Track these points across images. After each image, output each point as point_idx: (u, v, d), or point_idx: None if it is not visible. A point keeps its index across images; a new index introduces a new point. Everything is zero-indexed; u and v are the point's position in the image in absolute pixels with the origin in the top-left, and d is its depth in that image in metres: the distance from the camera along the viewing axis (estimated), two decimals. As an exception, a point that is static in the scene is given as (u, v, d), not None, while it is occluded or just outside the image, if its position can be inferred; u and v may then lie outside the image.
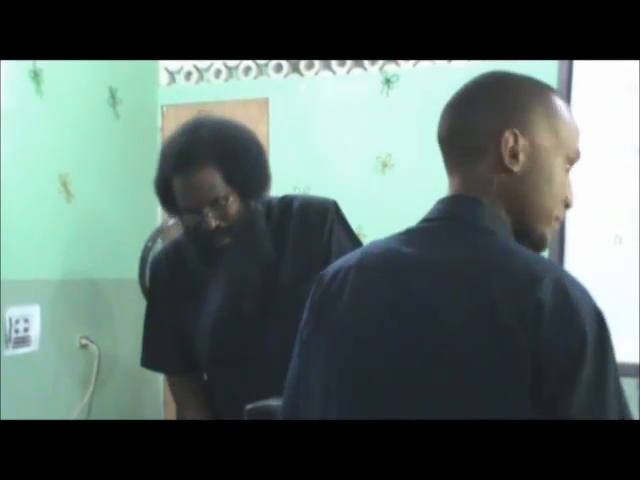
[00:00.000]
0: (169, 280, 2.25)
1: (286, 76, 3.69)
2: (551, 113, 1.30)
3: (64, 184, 3.21)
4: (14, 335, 2.95)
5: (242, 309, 2.13)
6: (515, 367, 1.13)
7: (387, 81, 3.51)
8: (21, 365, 2.98)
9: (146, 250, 3.22)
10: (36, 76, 3.07)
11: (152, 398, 3.77)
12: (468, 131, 1.31)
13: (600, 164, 2.19)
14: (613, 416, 1.14)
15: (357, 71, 3.57)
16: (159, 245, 3.16)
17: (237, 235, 2.06)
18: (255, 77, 3.74)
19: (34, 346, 3.05)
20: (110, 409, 3.40)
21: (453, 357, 1.18)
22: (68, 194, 3.23)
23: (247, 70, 3.74)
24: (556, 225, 1.34)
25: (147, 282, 3.04)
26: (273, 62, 3.69)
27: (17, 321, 2.97)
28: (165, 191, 2.09)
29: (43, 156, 3.11)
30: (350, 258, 1.37)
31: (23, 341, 3.00)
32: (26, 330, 3.01)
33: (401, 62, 3.50)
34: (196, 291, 2.19)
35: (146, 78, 3.81)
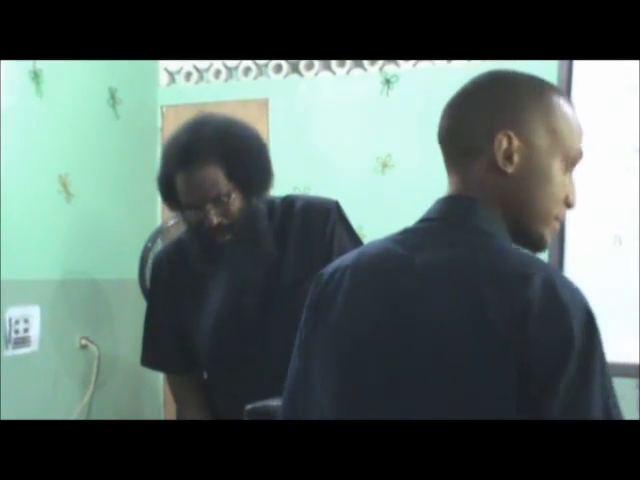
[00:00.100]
0: (170, 278, 2.25)
1: (286, 76, 3.69)
2: (549, 113, 1.29)
3: (64, 184, 3.21)
4: (14, 335, 2.95)
5: (243, 308, 2.13)
6: (503, 367, 1.13)
7: (387, 81, 3.51)
8: (21, 365, 2.98)
9: (146, 250, 3.22)
10: (36, 76, 3.07)
11: (152, 398, 3.77)
12: (464, 131, 1.32)
13: (600, 164, 2.19)
14: (597, 417, 1.14)
15: (357, 71, 3.58)
16: (159, 245, 3.16)
17: (239, 233, 2.06)
18: (255, 77, 3.74)
19: (34, 346, 3.04)
20: (110, 409, 3.40)
21: (442, 357, 1.18)
22: (68, 194, 3.23)
23: (247, 70, 3.74)
24: (556, 225, 1.33)
25: (147, 282, 3.04)
26: (273, 62, 3.70)
27: (17, 321, 2.96)
28: (168, 188, 2.10)
29: (43, 156, 3.11)
30: (347, 258, 1.38)
31: (23, 341, 3.00)
32: (26, 330, 3.00)
33: (401, 62, 3.50)
34: (197, 290, 2.20)
35: (146, 78, 3.81)
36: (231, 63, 3.76)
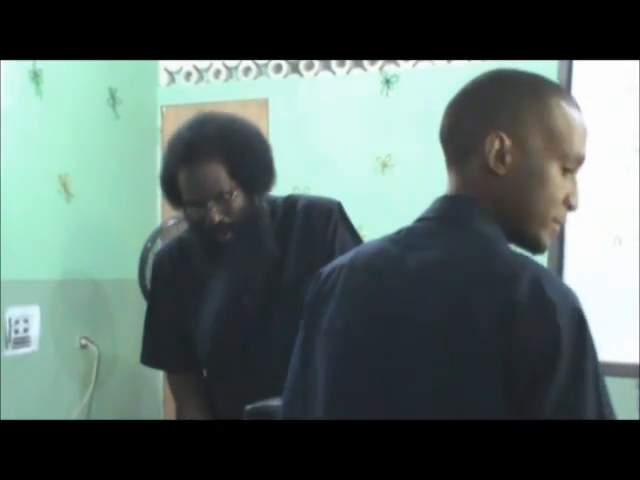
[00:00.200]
0: (171, 277, 2.26)
1: (286, 76, 3.69)
2: (546, 114, 1.28)
3: (64, 184, 3.21)
4: (14, 335, 2.95)
5: (244, 307, 2.13)
6: (488, 367, 1.14)
7: (387, 81, 3.51)
8: (21, 365, 2.98)
9: (146, 250, 3.22)
10: (36, 76, 3.08)
11: (151, 398, 3.77)
12: (461, 131, 1.32)
13: (600, 164, 2.19)
14: (589, 417, 1.14)
15: (357, 71, 3.58)
16: (159, 245, 3.16)
17: (240, 231, 2.07)
18: (255, 77, 3.74)
19: (34, 346, 3.05)
20: (110, 409, 3.40)
21: (425, 357, 1.19)
22: (68, 194, 3.23)
23: (247, 70, 3.74)
24: (555, 227, 1.32)
25: (147, 282, 3.04)
26: (273, 62, 3.70)
27: (17, 321, 2.97)
28: (170, 185, 2.10)
29: (43, 156, 3.11)
30: (345, 257, 1.39)
31: (23, 341, 3.00)
32: (26, 330, 3.01)
33: (401, 62, 3.50)
34: (198, 288, 2.20)
35: (146, 78, 3.81)
36: (231, 63, 3.76)
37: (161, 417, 3.76)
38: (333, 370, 1.30)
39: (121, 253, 3.46)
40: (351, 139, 3.54)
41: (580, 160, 1.31)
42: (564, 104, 1.30)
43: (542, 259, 1.81)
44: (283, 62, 3.67)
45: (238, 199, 2.06)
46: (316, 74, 3.63)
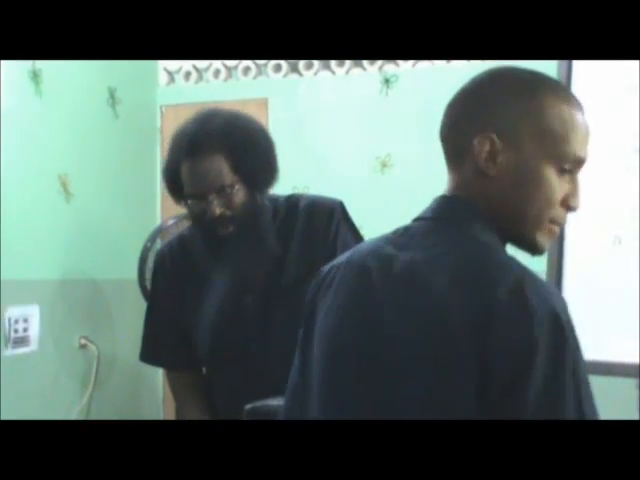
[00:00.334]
0: (172, 274, 2.26)
1: (285, 76, 3.69)
2: (540, 114, 1.25)
3: (63, 184, 3.21)
4: (13, 335, 2.95)
5: (245, 305, 2.13)
6: (461, 367, 1.14)
7: (386, 81, 3.51)
8: (20, 365, 2.98)
9: (145, 250, 3.22)
10: (35, 76, 3.07)
11: (151, 398, 3.77)
12: (456, 131, 1.31)
13: (600, 164, 2.19)
14: (569, 417, 1.13)
15: (356, 71, 3.58)
16: (158, 245, 3.16)
17: (241, 225, 2.07)
18: (254, 77, 3.74)
19: (33, 346, 3.05)
20: (109, 409, 3.40)
21: (407, 359, 1.19)
22: (67, 194, 3.23)
23: (246, 70, 3.74)
24: (553, 229, 1.30)
25: (146, 282, 3.04)
26: (272, 62, 3.70)
27: (16, 321, 2.97)
28: (173, 178, 2.11)
29: (42, 156, 3.11)
30: (342, 256, 1.39)
31: (22, 341, 3.00)
32: (25, 330, 3.01)
33: (400, 62, 3.50)
34: (199, 285, 2.20)
35: (145, 78, 3.81)
36: (230, 63, 3.76)
37: (161, 417, 3.76)
38: (325, 370, 1.31)
39: (121, 253, 3.46)
40: (350, 139, 3.54)
41: (579, 161, 1.28)
42: (561, 104, 1.27)
43: (542, 259, 1.81)
44: (282, 62, 3.67)
45: (240, 193, 2.06)
46: (315, 74, 3.63)
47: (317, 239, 2.14)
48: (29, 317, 3.02)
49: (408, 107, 3.44)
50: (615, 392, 2.47)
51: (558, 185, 1.27)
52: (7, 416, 2.75)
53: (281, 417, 1.41)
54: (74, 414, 3.22)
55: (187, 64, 3.83)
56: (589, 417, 1.15)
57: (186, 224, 2.57)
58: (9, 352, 2.93)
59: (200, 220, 2.09)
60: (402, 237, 1.31)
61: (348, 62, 3.58)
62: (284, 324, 2.01)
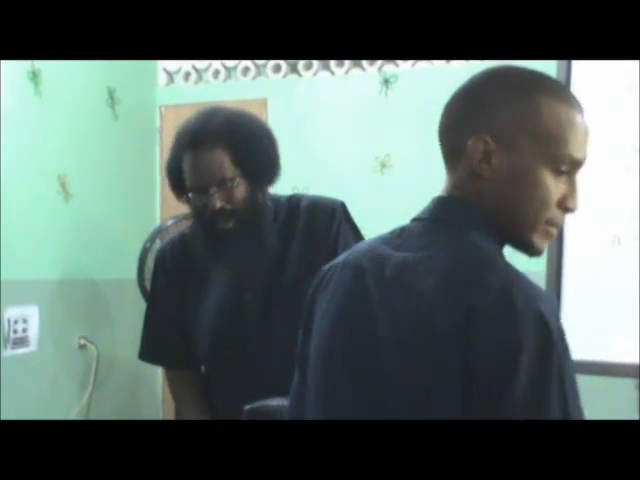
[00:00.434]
0: (173, 272, 2.26)
1: (284, 76, 3.69)
2: (534, 115, 1.24)
3: (63, 184, 3.21)
4: (13, 335, 2.95)
5: (245, 304, 2.13)
6: (446, 368, 1.14)
7: (386, 81, 3.51)
8: (20, 365, 2.98)
9: (145, 250, 3.22)
10: (35, 76, 3.07)
11: (150, 398, 3.77)
12: (452, 132, 1.30)
13: (600, 164, 2.19)
14: (554, 417, 1.12)
15: (355, 71, 3.58)
16: (158, 245, 3.16)
17: (241, 220, 2.07)
18: (254, 77, 3.74)
19: (33, 346, 3.05)
20: (109, 409, 3.40)
21: (389, 358, 1.20)
22: (67, 194, 3.23)
23: (246, 70, 3.74)
24: (550, 230, 1.29)
25: (146, 282, 3.04)
26: (271, 62, 3.70)
27: (16, 321, 2.97)
28: (175, 172, 2.12)
29: (42, 156, 3.11)
30: (341, 256, 1.39)
31: (22, 341, 3.00)
32: (24, 330, 3.00)
33: (400, 62, 3.50)
34: (199, 284, 2.20)
35: (145, 78, 3.81)
36: (230, 63, 3.76)
37: (160, 417, 3.76)
38: (322, 370, 1.31)
39: (120, 253, 3.46)
40: (350, 139, 3.54)
41: (576, 162, 1.27)
42: (558, 104, 1.26)
43: (541, 259, 1.81)
44: (282, 62, 3.67)
45: (241, 188, 2.07)
46: (315, 74, 3.63)
47: (318, 239, 2.14)
48: (28, 317, 3.02)
49: (407, 107, 3.44)
50: (615, 392, 2.47)
51: (554, 186, 1.26)
52: (6, 416, 2.75)
53: (286, 417, 1.41)
54: (73, 414, 3.22)
55: (186, 64, 3.83)
56: (573, 414, 1.14)
57: (186, 224, 2.57)
58: (8, 352, 2.93)
59: (201, 214, 2.10)
60: (398, 238, 1.31)
61: (347, 62, 3.58)
62: (284, 324, 2.01)
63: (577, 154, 1.26)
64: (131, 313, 3.24)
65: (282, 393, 1.54)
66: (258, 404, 1.70)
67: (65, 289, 3.22)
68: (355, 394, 1.25)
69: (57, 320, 3.17)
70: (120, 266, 3.44)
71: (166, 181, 2.20)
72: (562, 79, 2.32)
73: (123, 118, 3.59)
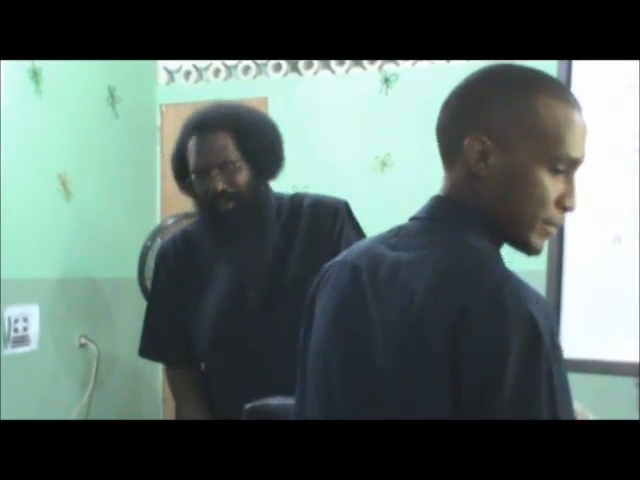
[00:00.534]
0: (175, 268, 2.26)
1: (285, 75, 3.69)
2: (531, 114, 1.23)
3: (63, 183, 3.21)
4: (13, 334, 2.95)
5: (246, 301, 2.14)
6: (435, 368, 1.14)
7: (386, 80, 3.51)
8: (20, 364, 2.98)
9: (145, 249, 3.22)
10: (35, 75, 3.08)
11: (151, 397, 3.77)
12: (449, 131, 1.30)
13: (600, 164, 2.19)
14: (543, 417, 1.12)
15: (356, 70, 3.58)
16: (158, 244, 3.16)
17: (241, 202, 2.07)
18: (254, 76, 3.74)
19: (33, 345, 3.05)
20: (109, 408, 3.41)
21: (379, 360, 1.20)
22: (67, 193, 3.23)
23: (246, 69, 3.74)
24: (548, 229, 1.28)
25: (146, 281, 3.04)
26: (272, 61, 3.70)
27: (16, 320, 2.97)
28: (179, 157, 2.15)
29: (42, 155, 3.11)
30: (339, 256, 1.39)
31: (22, 340, 3.00)
32: (25, 329, 3.01)
33: (400, 62, 3.50)
34: (201, 280, 2.20)
35: (145, 77, 3.81)
36: (230, 62, 3.76)
37: (160, 416, 3.76)
38: (319, 370, 1.31)
39: (120, 252, 3.47)
40: (350, 138, 3.54)
41: (574, 161, 1.26)
42: (555, 103, 1.25)
43: (542, 259, 1.81)
44: (282, 61, 3.67)
45: (243, 173, 2.08)
46: (315, 73, 3.63)
47: (321, 238, 2.14)
48: (29, 316, 3.02)
49: (408, 106, 3.44)
50: (615, 392, 2.47)
51: (551, 186, 1.25)
52: (7, 415, 2.75)
53: (292, 416, 1.42)
54: (74, 413, 3.22)
55: (187, 63, 3.83)
56: (562, 415, 1.13)
57: (186, 223, 2.57)
58: (9, 351, 2.94)
59: (203, 198, 2.10)
60: (395, 237, 1.31)
61: (348, 61, 3.58)
62: (286, 323, 2.01)
63: (575, 153, 1.26)
64: (132, 312, 3.24)
65: (283, 392, 1.54)
66: (259, 403, 1.70)
67: (66, 288, 3.22)
68: (350, 394, 1.25)
69: (57, 319, 3.17)
70: (121, 265, 3.44)
71: (169, 173, 2.23)
72: (562, 79, 2.32)
73: (124, 117, 3.59)
